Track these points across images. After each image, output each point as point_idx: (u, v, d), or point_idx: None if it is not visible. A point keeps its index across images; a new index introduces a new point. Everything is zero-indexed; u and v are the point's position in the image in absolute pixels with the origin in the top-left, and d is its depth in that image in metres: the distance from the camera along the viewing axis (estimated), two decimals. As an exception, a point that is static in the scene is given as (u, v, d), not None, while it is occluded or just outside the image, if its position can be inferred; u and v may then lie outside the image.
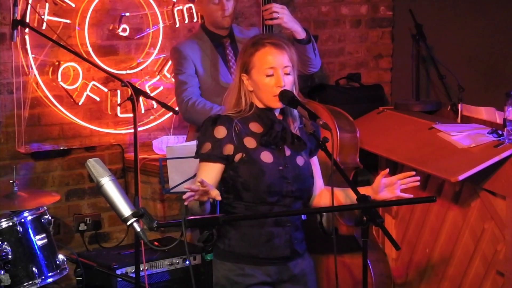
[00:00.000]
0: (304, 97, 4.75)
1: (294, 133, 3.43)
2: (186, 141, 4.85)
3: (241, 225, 3.37)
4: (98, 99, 5.29)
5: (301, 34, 4.58)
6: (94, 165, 2.82)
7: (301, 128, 3.47)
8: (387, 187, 3.41)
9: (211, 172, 3.34)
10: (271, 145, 3.38)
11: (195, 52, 4.68)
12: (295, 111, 3.43)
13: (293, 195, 3.40)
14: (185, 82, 4.64)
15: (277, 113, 3.43)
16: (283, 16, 4.55)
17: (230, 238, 3.36)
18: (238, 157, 3.34)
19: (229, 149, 3.34)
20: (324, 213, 4.64)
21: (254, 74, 3.36)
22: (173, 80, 5.46)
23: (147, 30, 5.42)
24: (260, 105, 3.41)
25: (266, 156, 3.36)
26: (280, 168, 3.37)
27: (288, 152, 3.42)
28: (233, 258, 3.36)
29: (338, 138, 4.57)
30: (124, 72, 5.34)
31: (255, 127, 3.39)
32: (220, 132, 3.34)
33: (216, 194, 3.15)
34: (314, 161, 3.56)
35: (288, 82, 3.37)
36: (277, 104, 3.38)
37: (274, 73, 3.34)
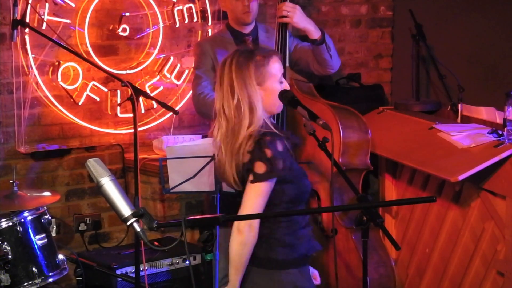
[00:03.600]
0: (314, 93, 4.80)
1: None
2: None
3: (286, 233, 3.35)
4: (98, 99, 5.29)
5: (314, 34, 4.59)
6: (94, 165, 2.82)
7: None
8: None
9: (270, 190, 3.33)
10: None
11: (215, 49, 4.71)
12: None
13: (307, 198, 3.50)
14: (201, 77, 4.69)
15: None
16: (293, 15, 4.56)
17: (284, 246, 3.33)
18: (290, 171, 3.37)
19: (287, 163, 3.34)
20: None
21: (270, 83, 3.34)
22: (173, 80, 5.49)
23: (147, 30, 5.42)
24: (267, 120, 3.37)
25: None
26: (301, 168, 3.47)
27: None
28: (296, 263, 3.36)
29: (342, 138, 4.55)
30: (124, 72, 5.34)
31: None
32: (280, 147, 3.30)
33: None
34: None
35: None
36: (280, 109, 3.44)
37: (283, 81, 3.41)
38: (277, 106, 3.40)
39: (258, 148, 3.26)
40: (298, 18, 4.58)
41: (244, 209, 3.24)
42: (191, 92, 4.96)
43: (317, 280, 3.56)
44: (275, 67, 3.36)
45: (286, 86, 3.40)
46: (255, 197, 3.26)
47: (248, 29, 4.79)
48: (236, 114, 3.30)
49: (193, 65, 4.89)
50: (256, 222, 3.25)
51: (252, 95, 3.31)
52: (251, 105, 3.30)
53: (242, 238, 3.20)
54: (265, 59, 3.34)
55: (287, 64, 4.69)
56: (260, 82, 3.32)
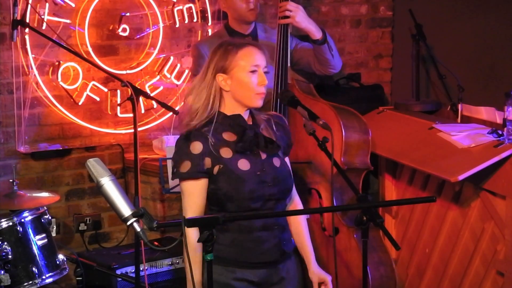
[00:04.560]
0: (314, 94, 4.80)
1: (266, 137, 3.42)
2: None
3: (229, 231, 3.35)
4: (98, 99, 5.29)
5: (315, 34, 4.59)
6: (94, 165, 2.82)
7: (269, 126, 3.46)
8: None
9: (199, 189, 3.33)
10: (246, 151, 3.37)
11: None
12: (260, 113, 3.45)
13: (275, 197, 3.40)
14: None
15: (245, 117, 3.42)
16: (295, 15, 4.56)
17: (219, 243, 3.30)
18: (216, 169, 3.33)
19: (207, 162, 3.32)
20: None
21: (236, 72, 3.34)
22: (173, 80, 5.48)
23: (147, 30, 5.42)
24: (229, 111, 3.38)
25: (243, 164, 3.36)
26: (258, 173, 3.36)
27: (263, 156, 3.41)
28: (223, 262, 3.35)
29: (343, 138, 4.55)
30: (124, 72, 5.34)
31: (227, 136, 3.37)
32: (196, 147, 3.31)
33: None
34: (287, 161, 3.55)
35: (268, 81, 3.39)
36: (258, 103, 3.37)
37: (257, 71, 3.35)
38: (249, 97, 3.35)
39: (175, 146, 3.35)
40: (300, 18, 4.58)
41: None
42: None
43: (327, 287, 3.53)
44: (246, 57, 3.33)
45: (260, 79, 3.34)
46: (182, 196, 3.36)
47: (247, 30, 4.79)
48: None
49: (191, 69, 4.86)
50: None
51: (206, 79, 3.36)
52: (204, 90, 3.36)
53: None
54: (235, 48, 3.35)
55: (288, 64, 4.68)
56: (225, 70, 3.34)
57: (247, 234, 3.36)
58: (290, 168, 3.54)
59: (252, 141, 3.37)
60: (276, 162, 3.43)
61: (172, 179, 3.40)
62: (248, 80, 3.33)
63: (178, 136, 3.38)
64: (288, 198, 3.54)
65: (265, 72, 3.37)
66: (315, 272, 3.54)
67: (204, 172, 3.32)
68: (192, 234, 3.25)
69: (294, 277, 3.51)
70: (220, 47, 3.39)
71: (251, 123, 3.42)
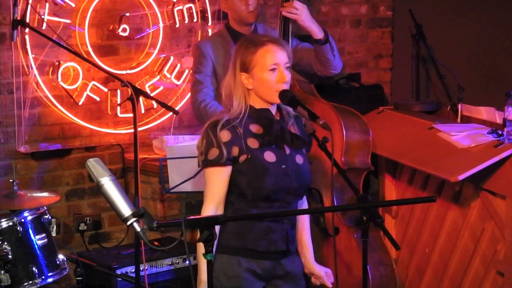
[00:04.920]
0: (315, 94, 4.80)
1: (292, 132, 3.47)
2: None
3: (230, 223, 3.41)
4: (98, 99, 5.29)
5: (318, 34, 4.61)
6: (94, 165, 2.82)
7: (297, 124, 3.51)
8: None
9: (223, 176, 3.38)
10: (272, 144, 3.42)
11: (216, 51, 4.71)
12: (289, 108, 3.48)
13: (295, 192, 3.46)
14: (201, 82, 4.68)
15: (273, 112, 3.46)
16: (301, 13, 4.59)
17: (227, 232, 3.39)
18: (243, 158, 3.38)
19: (234, 151, 3.38)
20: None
21: (256, 71, 3.38)
22: (173, 80, 5.48)
23: (147, 30, 5.42)
24: (257, 105, 3.44)
25: (269, 156, 3.41)
26: (283, 166, 3.42)
27: (288, 151, 3.46)
28: (230, 251, 3.40)
29: (344, 138, 4.56)
30: (124, 72, 5.33)
31: (255, 128, 3.42)
32: (225, 135, 3.36)
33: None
34: None
35: (289, 78, 3.42)
36: (279, 99, 3.41)
37: (277, 69, 3.39)
38: (270, 95, 3.40)
39: (203, 133, 3.41)
40: (305, 17, 4.61)
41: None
42: (190, 94, 4.94)
43: (330, 278, 3.58)
44: (265, 56, 3.37)
45: (281, 75, 3.38)
46: (205, 182, 3.42)
47: (248, 30, 4.79)
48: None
49: (192, 68, 4.87)
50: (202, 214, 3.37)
51: (234, 79, 3.42)
52: (234, 89, 3.41)
53: None
54: (254, 46, 3.39)
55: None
56: (247, 69, 3.39)
57: (256, 222, 3.41)
58: None
59: (279, 134, 3.42)
60: (299, 158, 3.49)
61: (201, 166, 3.41)
62: (267, 78, 3.38)
63: (207, 125, 3.41)
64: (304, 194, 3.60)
65: (287, 68, 3.41)
66: (318, 267, 3.60)
67: (231, 160, 3.37)
68: None
69: (298, 275, 3.55)
70: (241, 45, 3.44)
71: (278, 118, 3.47)
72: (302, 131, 3.52)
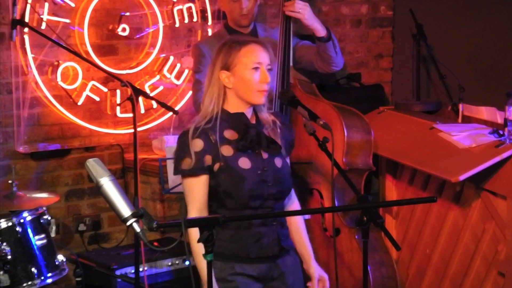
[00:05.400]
0: (316, 93, 4.79)
1: (268, 136, 3.44)
2: None
3: (229, 227, 3.38)
4: (97, 99, 5.29)
5: (321, 32, 4.61)
6: (94, 165, 2.81)
7: (274, 126, 3.48)
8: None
9: (200, 186, 3.36)
10: (247, 150, 3.40)
11: (215, 50, 4.70)
12: (265, 113, 3.45)
13: (274, 197, 3.43)
14: (201, 82, 4.68)
15: (249, 115, 3.43)
16: (305, 12, 4.59)
17: (219, 239, 3.35)
18: (216, 166, 3.36)
19: (208, 159, 3.36)
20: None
21: (238, 69, 3.36)
22: (173, 80, 5.48)
23: (147, 29, 5.41)
24: (233, 109, 3.40)
25: (244, 162, 3.38)
26: (259, 172, 3.39)
27: (265, 155, 3.43)
28: (223, 257, 3.38)
29: (346, 138, 4.55)
30: (123, 72, 5.33)
31: (229, 134, 3.40)
32: (197, 144, 3.34)
33: None
34: (288, 161, 3.58)
35: (271, 79, 3.40)
36: (260, 100, 3.39)
37: (260, 69, 3.37)
38: (250, 94, 3.38)
39: (177, 142, 3.39)
40: (309, 15, 4.61)
41: None
42: (190, 92, 4.95)
43: (323, 284, 3.56)
44: (248, 55, 3.36)
45: (264, 76, 3.36)
46: (183, 191, 3.41)
47: (247, 30, 4.79)
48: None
49: (192, 68, 4.87)
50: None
51: (213, 77, 3.40)
52: (212, 87, 3.40)
53: None
54: (238, 45, 3.38)
55: (291, 64, 4.69)
56: (228, 67, 3.37)
57: (247, 229, 3.39)
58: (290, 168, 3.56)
59: (254, 140, 3.39)
60: (278, 162, 3.45)
61: (174, 174, 3.42)
62: (250, 77, 3.36)
63: (180, 133, 3.41)
64: (287, 197, 3.55)
65: (269, 70, 3.39)
66: (316, 268, 3.57)
67: (205, 169, 3.35)
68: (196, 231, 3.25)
69: (294, 273, 3.53)
70: (224, 44, 3.43)
71: (254, 122, 3.44)
72: (279, 133, 3.48)
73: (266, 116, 3.46)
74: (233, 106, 3.41)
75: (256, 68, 3.36)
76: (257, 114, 3.46)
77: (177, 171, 3.38)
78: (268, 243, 3.41)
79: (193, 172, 3.34)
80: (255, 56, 3.36)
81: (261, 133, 3.42)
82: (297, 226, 3.60)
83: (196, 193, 3.36)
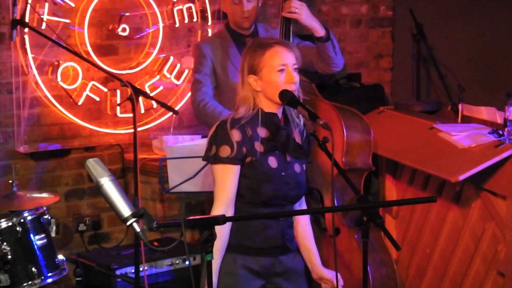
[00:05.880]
0: (316, 93, 4.79)
1: (296, 141, 3.50)
2: None
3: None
4: (97, 99, 5.29)
5: (319, 32, 4.61)
6: (94, 165, 2.81)
7: (300, 131, 3.53)
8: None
9: (235, 175, 3.39)
10: (276, 150, 3.44)
11: (216, 51, 4.71)
12: (296, 117, 3.50)
13: (290, 199, 3.49)
14: (201, 82, 4.69)
15: (279, 116, 3.48)
16: (302, 12, 4.59)
17: (231, 231, 3.40)
18: (248, 160, 3.40)
19: (244, 151, 3.39)
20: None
21: (265, 72, 3.40)
22: (173, 80, 5.48)
23: (147, 30, 5.41)
24: (266, 109, 3.45)
25: (272, 161, 3.43)
26: (283, 173, 3.44)
27: (289, 158, 3.48)
28: (227, 249, 3.40)
29: (345, 138, 4.55)
30: (123, 72, 5.33)
31: (262, 132, 3.44)
32: (236, 135, 3.38)
33: None
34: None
35: (298, 79, 3.44)
36: None
37: (285, 70, 3.40)
38: (278, 96, 3.41)
39: (214, 129, 3.41)
40: (306, 15, 4.61)
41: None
42: (190, 93, 4.95)
43: (340, 281, 3.57)
44: (273, 57, 3.39)
45: (290, 76, 3.39)
46: (214, 180, 3.41)
47: (248, 31, 4.79)
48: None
49: (192, 68, 4.88)
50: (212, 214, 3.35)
51: (243, 82, 3.43)
52: (244, 91, 3.43)
53: None
54: (262, 48, 3.41)
55: None
56: (255, 71, 3.40)
57: (253, 220, 3.43)
58: None
59: (284, 142, 3.44)
60: (297, 167, 3.50)
61: (205, 160, 3.41)
62: (276, 79, 3.40)
63: (218, 123, 3.42)
64: (298, 202, 3.60)
65: (295, 69, 3.43)
66: (327, 271, 3.59)
67: (241, 160, 3.38)
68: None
69: (299, 272, 3.56)
70: (249, 48, 3.46)
71: (283, 123, 3.49)
72: (303, 140, 3.54)
73: (295, 116, 3.50)
74: (266, 106, 3.45)
75: (282, 70, 3.39)
76: (286, 116, 3.50)
77: (213, 158, 3.38)
78: (273, 235, 3.45)
79: (232, 161, 3.36)
80: (280, 58, 3.39)
81: (290, 137, 3.47)
82: (304, 230, 3.62)
83: (229, 183, 3.37)
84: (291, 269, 3.51)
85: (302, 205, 3.65)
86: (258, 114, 3.42)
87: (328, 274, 3.58)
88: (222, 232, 3.31)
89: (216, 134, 3.40)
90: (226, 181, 3.38)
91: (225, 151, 3.36)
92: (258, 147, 3.40)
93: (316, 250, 3.63)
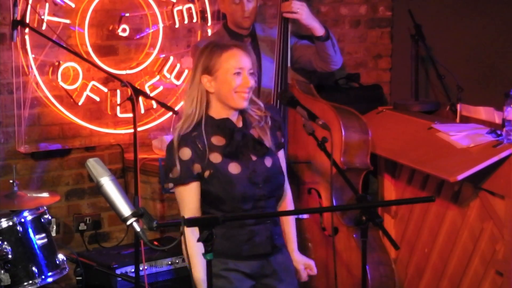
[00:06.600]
0: (314, 94, 4.81)
1: (255, 138, 3.45)
2: None
3: (222, 226, 3.38)
4: (98, 99, 5.30)
5: (319, 31, 4.62)
6: (94, 165, 2.82)
7: (263, 124, 3.47)
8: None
9: (192, 193, 3.38)
10: (237, 154, 3.41)
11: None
12: (251, 111, 3.45)
13: (265, 197, 3.45)
14: None
15: (235, 119, 3.44)
16: (302, 12, 4.60)
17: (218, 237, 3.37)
18: (207, 173, 3.38)
19: (197, 168, 3.37)
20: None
21: (220, 74, 3.36)
22: (173, 80, 5.49)
23: (147, 30, 5.42)
24: (217, 115, 3.41)
25: (234, 167, 3.40)
26: (249, 175, 3.41)
27: (254, 157, 3.44)
28: (216, 254, 3.36)
29: (343, 138, 4.56)
30: (124, 72, 5.34)
31: (216, 140, 3.40)
32: (185, 153, 3.36)
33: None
34: (280, 156, 3.57)
35: (253, 83, 3.40)
36: (242, 104, 3.39)
37: (241, 74, 3.37)
38: (232, 99, 3.37)
39: (165, 151, 3.42)
40: (306, 15, 4.62)
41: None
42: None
43: (312, 271, 3.60)
44: (230, 60, 3.36)
45: (245, 80, 3.35)
46: (177, 200, 3.42)
47: (246, 31, 4.80)
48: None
49: (191, 68, 4.88)
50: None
51: (195, 81, 3.39)
52: (193, 91, 3.39)
53: None
54: (219, 50, 3.37)
55: (289, 64, 4.70)
56: (210, 71, 3.36)
57: (240, 228, 3.41)
58: (284, 162, 3.56)
59: (240, 145, 3.40)
60: (268, 161, 3.46)
61: (164, 184, 3.45)
62: (231, 82, 3.36)
63: (168, 143, 3.42)
64: (282, 194, 3.57)
65: (251, 74, 3.39)
66: (298, 258, 3.60)
67: (194, 177, 3.37)
68: (191, 234, 3.25)
69: (287, 270, 3.55)
70: (206, 48, 3.42)
71: (241, 125, 3.44)
72: (269, 129, 3.47)
73: (253, 114, 3.46)
74: (217, 111, 3.41)
75: (238, 73, 3.36)
76: (243, 115, 3.46)
77: (167, 180, 3.40)
78: (261, 242, 3.43)
79: (181, 181, 3.36)
80: (236, 61, 3.36)
81: (247, 136, 3.42)
82: (286, 217, 3.62)
83: (187, 200, 3.38)
84: (280, 268, 3.50)
85: (285, 195, 3.59)
86: (208, 122, 3.37)
87: (298, 260, 3.59)
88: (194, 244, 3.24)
89: (166, 157, 3.41)
90: (184, 200, 3.39)
91: (175, 172, 3.36)
92: (215, 158, 3.37)
93: (295, 236, 3.62)
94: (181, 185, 3.37)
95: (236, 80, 3.35)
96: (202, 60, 3.39)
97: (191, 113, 3.39)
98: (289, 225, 3.64)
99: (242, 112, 3.45)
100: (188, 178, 3.36)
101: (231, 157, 3.39)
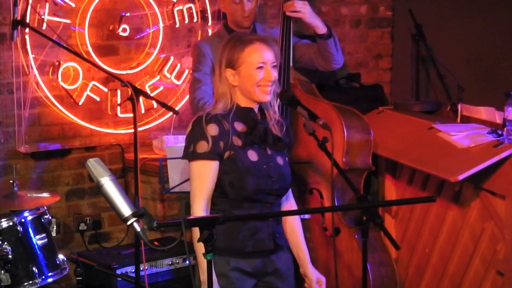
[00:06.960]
0: (316, 94, 4.81)
1: (274, 134, 3.48)
2: None
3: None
4: (98, 99, 5.30)
5: (321, 29, 4.63)
6: (94, 165, 2.82)
7: (279, 126, 3.51)
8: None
9: (213, 171, 3.37)
10: (255, 144, 3.43)
11: (215, 50, 4.71)
12: (271, 110, 3.48)
13: (276, 193, 3.46)
14: (200, 80, 4.69)
15: (256, 111, 3.47)
16: (306, 11, 4.61)
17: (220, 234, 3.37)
18: (227, 154, 3.38)
19: (221, 146, 3.38)
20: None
21: (243, 68, 3.38)
22: (173, 80, 5.49)
23: (147, 30, 5.42)
24: (242, 104, 3.44)
25: (252, 155, 3.42)
26: (265, 166, 3.42)
27: (269, 152, 3.47)
28: (217, 251, 3.37)
29: (345, 138, 4.56)
30: (124, 72, 5.34)
31: (239, 126, 3.43)
32: (213, 129, 3.36)
33: None
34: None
35: (276, 76, 3.42)
36: (265, 98, 3.41)
37: (264, 68, 3.39)
38: (255, 93, 3.39)
39: (190, 126, 3.40)
40: (309, 14, 4.63)
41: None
42: (189, 91, 4.95)
43: (322, 286, 3.58)
44: (252, 54, 3.38)
45: (268, 74, 3.38)
46: (191, 177, 3.39)
47: (246, 31, 4.79)
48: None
49: (191, 67, 4.89)
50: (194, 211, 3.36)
51: (219, 75, 3.42)
52: (221, 85, 3.42)
53: None
54: (242, 44, 3.39)
55: (291, 64, 4.70)
56: (233, 66, 3.39)
57: (243, 223, 3.41)
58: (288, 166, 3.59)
59: (262, 135, 3.43)
60: (280, 160, 3.49)
61: (184, 158, 3.39)
62: (254, 76, 3.38)
63: (193, 119, 3.42)
64: (285, 196, 3.58)
65: (274, 67, 3.41)
66: (313, 272, 3.59)
67: (219, 155, 3.37)
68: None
69: (289, 270, 3.55)
70: (229, 42, 3.45)
71: (260, 118, 3.47)
72: (283, 133, 3.52)
73: (272, 113, 3.49)
74: (242, 101, 3.44)
75: (260, 67, 3.38)
76: (263, 111, 3.49)
77: (190, 155, 3.37)
78: (264, 238, 3.43)
79: (209, 156, 3.34)
80: (259, 56, 3.38)
81: (268, 130, 3.45)
82: (293, 226, 3.61)
83: (206, 178, 3.36)
84: (281, 267, 3.51)
85: (289, 198, 3.62)
86: (233, 108, 3.41)
87: (312, 274, 3.57)
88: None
89: (192, 131, 3.39)
90: (205, 177, 3.36)
91: (202, 146, 3.35)
92: (236, 141, 3.39)
93: (305, 246, 3.61)
94: (207, 159, 3.35)
95: (259, 74, 3.38)
96: (225, 54, 3.42)
97: (222, 104, 3.41)
98: (300, 236, 3.62)
99: (261, 108, 3.48)
100: (215, 155, 3.35)
101: (251, 144, 3.41)
